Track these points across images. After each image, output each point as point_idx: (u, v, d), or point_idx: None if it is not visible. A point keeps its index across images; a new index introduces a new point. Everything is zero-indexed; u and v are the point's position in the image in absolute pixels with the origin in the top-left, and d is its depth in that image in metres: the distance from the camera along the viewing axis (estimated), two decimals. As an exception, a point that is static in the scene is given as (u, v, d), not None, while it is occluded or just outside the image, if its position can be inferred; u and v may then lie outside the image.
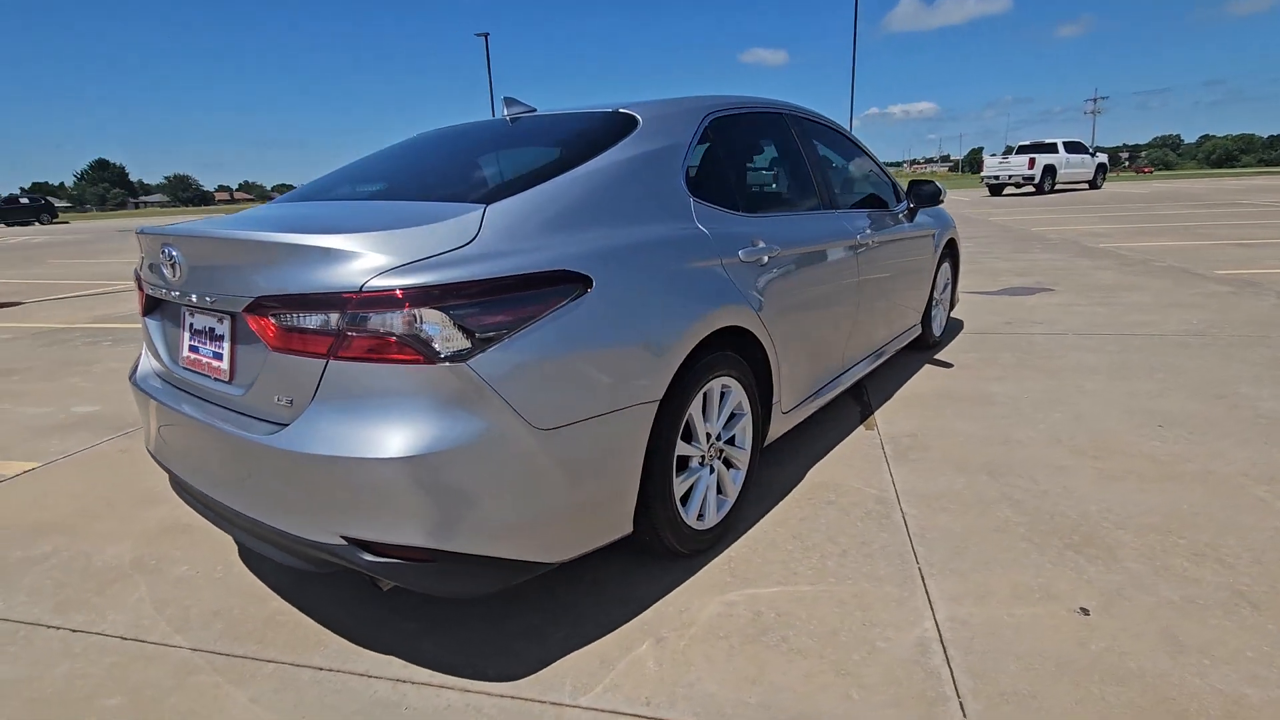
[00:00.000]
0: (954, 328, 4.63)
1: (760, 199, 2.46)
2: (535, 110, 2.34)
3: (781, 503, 2.31)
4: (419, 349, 1.29)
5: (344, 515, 1.34)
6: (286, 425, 1.38)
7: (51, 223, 35.27)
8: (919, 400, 3.25)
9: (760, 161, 2.62)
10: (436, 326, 1.29)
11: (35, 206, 35.53)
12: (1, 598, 1.94)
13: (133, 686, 1.57)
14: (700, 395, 1.86)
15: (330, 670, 1.59)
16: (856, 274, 2.73)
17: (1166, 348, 3.92)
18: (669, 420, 1.73)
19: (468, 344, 1.31)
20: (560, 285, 1.46)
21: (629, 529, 1.71)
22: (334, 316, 1.30)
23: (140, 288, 1.86)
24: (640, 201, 1.79)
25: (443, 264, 1.34)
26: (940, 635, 1.63)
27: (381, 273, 1.30)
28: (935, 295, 4.00)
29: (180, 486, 1.81)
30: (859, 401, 3.28)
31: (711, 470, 2.00)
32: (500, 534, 1.40)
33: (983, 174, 22.29)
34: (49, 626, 1.80)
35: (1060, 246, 8.74)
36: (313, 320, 1.32)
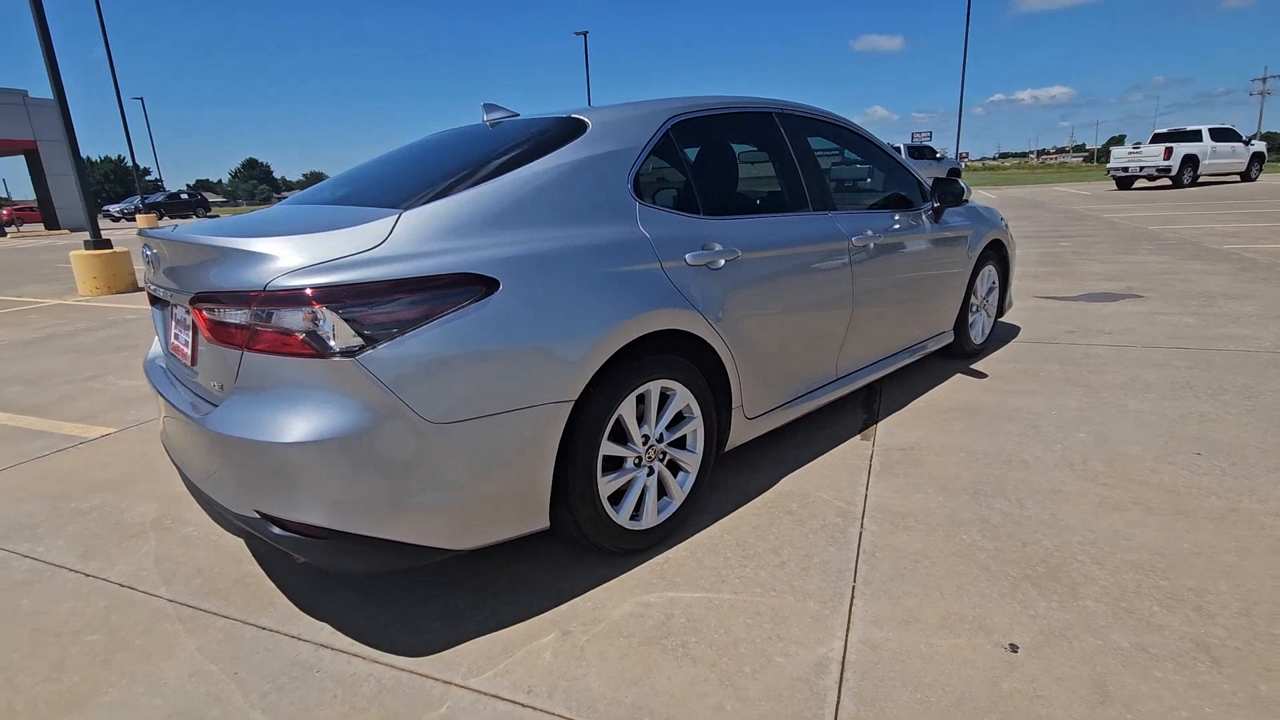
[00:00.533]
0: (1005, 335, 4.31)
1: (729, 201, 2.42)
2: (517, 115, 2.43)
3: (740, 509, 2.28)
4: (314, 344, 1.41)
5: (256, 491, 1.49)
6: (217, 407, 1.55)
7: (206, 216, 39.62)
8: (932, 412, 3.08)
9: (734, 163, 2.57)
10: (330, 324, 1.41)
11: (193, 201, 40.05)
12: (46, 542, 2.28)
13: (112, 627, 1.81)
14: (632, 397, 1.88)
15: (270, 630, 1.77)
16: (850, 278, 2.63)
17: (1250, 366, 3.47)
18: (591, 420, 1.77)
19: (359, 341, 1.42)
20: (463, 288, 1.53)
21: (545, 523, 1.77)
22: (244, 312, 1.44)
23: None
24: (572, 206, 1.83)
25: (345, 266, 1.45)
26: (844, 657, 1.58)
27: (286, 273, 1.43)
28: (975, 300, 3.75)
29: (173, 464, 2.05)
30: (866, 410, 3.15)
31: (651, 472, 2.01)
32: (392, 518, 1.50)
33: (1109, 165, 20.25)
34: (70, 570, 2.10)
35: (1174, 247, 7.85)
36: (232, 315, 1.47)
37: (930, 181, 3.24)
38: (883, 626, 1.67)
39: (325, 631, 1.76)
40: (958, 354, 3.79)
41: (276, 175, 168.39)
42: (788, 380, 2.47)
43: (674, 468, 2.11)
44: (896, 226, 2.96)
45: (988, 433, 2.81)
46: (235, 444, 1.47)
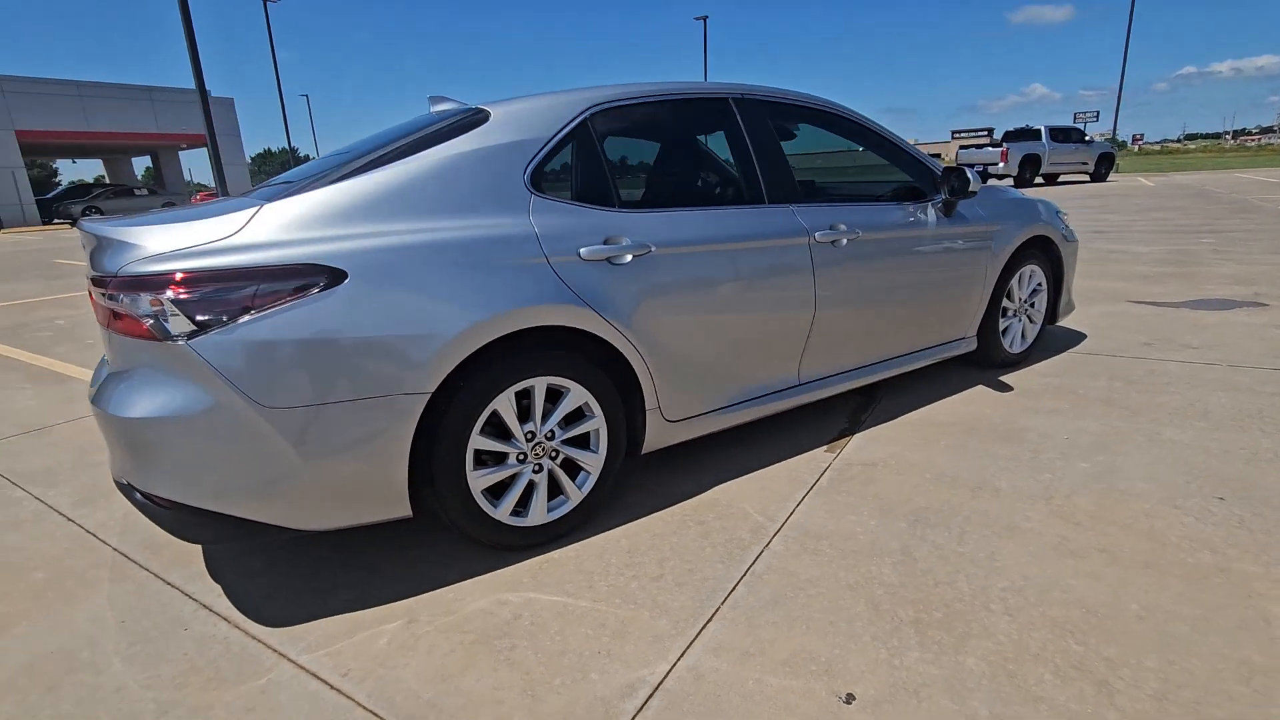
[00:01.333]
0: (1062, 343, 3.80)
1: (655, 194, 2.28)
2: (466, 106, 2.44)
3: (654, 515, 2.19)
4: (153, 327, 1.51)
5: (119, 460, 1.63)
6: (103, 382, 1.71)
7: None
8: (923, 425, 2.78)
9: (671, 153, 2.42)
10: (166, 309, 1.50)
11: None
12: (58, 488, 2.63)
13: (60, 568, 2.06)
14: (510, 393, 1.86)
15: (173, 586, 1.94)
16: (812, 277, 2.43)
17: (1361, 396, 2.83)
18: (458, 414, 1.77)
19: (193, 326, 1.51)
20: (305, 279, 1.58)
21: (406, 512, 1.79)
22: (105, 295, 1.57)
23: None
24: (452, 198, 1.83)
25: (190, 255, 1.54)
26: (660, 683, 1.48)
27: (138, 260, 1.54)
28: (1010, 304, 3.33)
29: None
30: (851, 417, 2.90)
31: (539, 469, 1.98)
32: (231, 496, 1.58)
33: (1306, 148, 17.10)
34: (59, 513, 2.41)
35: (1348, 247, 6.53)
36: (101, 298, 1.61)
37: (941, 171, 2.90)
38: (721, 656, 1.55)
39: (215, 592, 1.90)
40: (986, 363, 3.39)
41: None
42: (726, 384, 2.33)
43: (574, 466, 2.07)
44: (886, 221, 2.69)
45: (972, 454, 2.50)
46: (103, 416, 1.61)
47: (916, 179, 2.92)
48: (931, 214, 2.85)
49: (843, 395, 3.14)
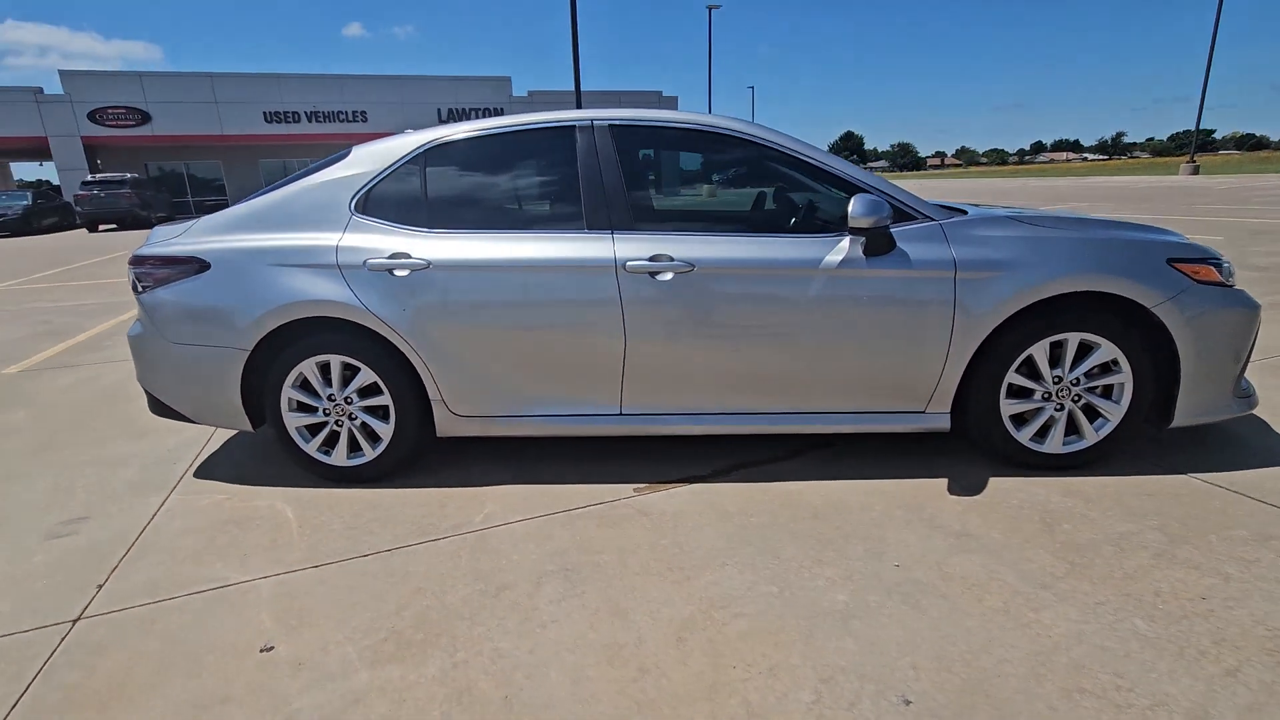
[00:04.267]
0: (1215, 455, 2.43)
1: (462, 218, 2.48)
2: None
3: (428, 489, 2.58)
4: (135, 287, 2.66)
5: (140, 361, 2.88)
6: None
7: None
8: (777, 498, 2.37)
9: (493, 182, 2.56)
10: (134, 276, 2.63)
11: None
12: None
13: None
14: (312, 363, 2.53)
15: (207, 441, 3.21)
16: (619, 307, 2.36)
17: None
18: (276, 369, 2.54)
19: (143, 288, 2.61)
20: (187, 265, 2.53)
21: (248, 427, 2.66)
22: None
23: None
24: (295, 217, 2.53)
25: (154, 245, 2.64)
26: (238, 584, 2.02)
27: (141, 246, 2.70)
28: (1036, 385, 2.38)
29: None
30: (722, 467, 2.62)
31: (340, 425, 2.61)
32: (161, 389, 2.68)
33: None
34: (242, 388, 4.04)
35: None
36: (131, 270, 2.84)
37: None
38: (276, 590, 1.99)
39: (211, 450, 3.09)
40: (994, 456, 2.51)
41: (868, 146, 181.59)
42: (518, 394, 2.52)
43: (369, 432, 2.62)
44: (751, 257, 2.34)
45: (752, 543, 2.13)
46: (133, 337, 2.87)
47: (829, 206, 2.39)
48: (843, 250, 2.32)
49: (765, 442, 2.80)
